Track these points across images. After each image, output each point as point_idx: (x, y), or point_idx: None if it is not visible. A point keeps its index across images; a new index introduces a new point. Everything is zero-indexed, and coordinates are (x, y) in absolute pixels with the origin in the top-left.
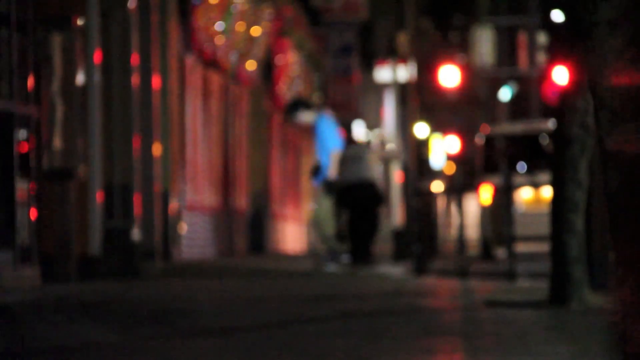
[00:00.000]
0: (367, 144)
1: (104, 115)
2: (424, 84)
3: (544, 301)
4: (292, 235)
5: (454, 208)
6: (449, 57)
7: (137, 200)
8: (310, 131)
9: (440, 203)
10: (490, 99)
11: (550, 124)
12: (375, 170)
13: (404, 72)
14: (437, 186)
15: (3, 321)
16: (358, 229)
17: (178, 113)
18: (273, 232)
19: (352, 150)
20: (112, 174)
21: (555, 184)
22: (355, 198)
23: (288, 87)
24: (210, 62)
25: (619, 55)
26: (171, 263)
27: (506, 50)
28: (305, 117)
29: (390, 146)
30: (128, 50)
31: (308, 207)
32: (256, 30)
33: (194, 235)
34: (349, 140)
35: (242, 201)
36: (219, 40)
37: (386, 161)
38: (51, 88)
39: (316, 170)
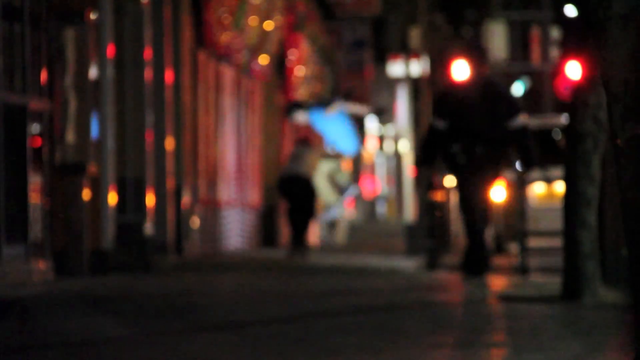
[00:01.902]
0: (309, 145)
1: (117, 109)
2: (436, 79)
3: (557, 296)
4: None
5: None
6: (461, 52)
7: (149, 195)
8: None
9: (453, 198)
10: None
11: (563, 119)
12: (310, 168)
13: (417, 67)
14: (449, 181)
15: (15, 315)
16: (294, 220)
17: (191, 107)
18: (286, 226)
19: (297, 150)
20: (124, 168)
21: (567, 179)
22: (289, 190)
23: (301, 81)
24: (223, 57)
25: (632, 50)
26: (183, 257)
27: (519, 45)
28: (299, 117)
29: (332, 147)
30: (141, 44)
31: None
32: (269, 25)
33: (206, 230)
34: (302, 141)
35: (254, 195)
36: (232, 35)
37: (331, 159)
38: (64, 82)
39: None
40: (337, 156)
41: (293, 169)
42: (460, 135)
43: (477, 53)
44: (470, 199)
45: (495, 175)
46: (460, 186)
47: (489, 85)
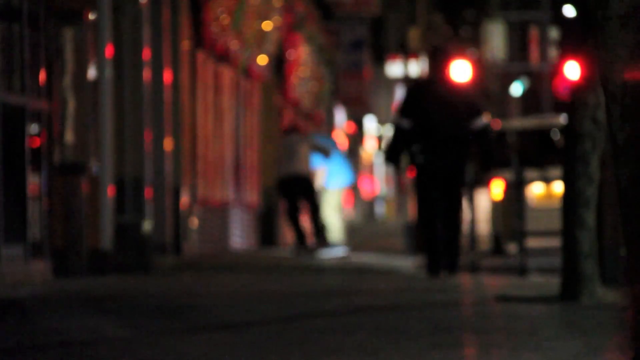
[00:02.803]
0: (302, 134)
1: (116, 109)
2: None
3: (555, 296)
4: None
5: (465, 203)
6: (460, 52)
7: (148, 195)
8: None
9: None
10: (501, 94)
11: (562, 119)
12: (306, 162)
13: (415, 67)
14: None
15: (14, 315)
16: (296, 219)
17: (189, 108)
18: (284, 226)
19: (288, 142)
20: (123, 168)
21: (566, 179)
22: (289, 191)
23: (299, 81)
24: (222, 57)
25: (631, 50)
26: (182, 257)
27: (518, 45)
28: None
29: (322, 137)
30: (139, 44)
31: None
32: (268, 25)
33: (205, 230)
34: (291, 129)
35: (253, 195)
36: (230, 35)
37: (321, 151)
38: (63, 82)
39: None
40: (324, 150)
41: (291, 169)
42: (422, 135)
43: (439, 55)
44: (428, 199)
45: (462, 177)
46: (418, 186)
47: (451, 87)
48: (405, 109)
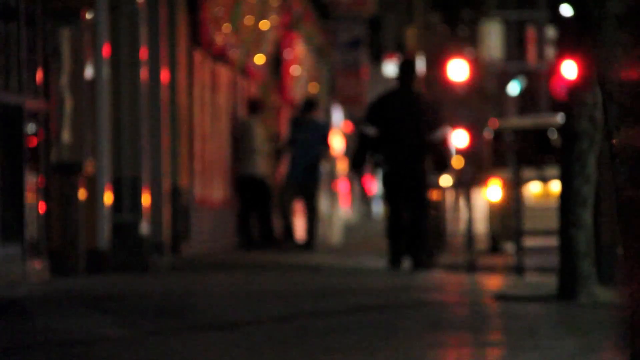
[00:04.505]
0: (260, 114)
1: (113, 109)
2: (432, 78)
3: (553, 295)
4: (301, 229)
5: (462, 202)
6: (457, 51)
7: (145, 195)
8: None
9: (449, 197)
10: (498, 93)
11: (559, 118)
12: (264, 159)
13: None
14: (445, 180)
15: (12, 315)
16: (248, 219)
17: (186, 107)
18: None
19: (247, 128)
20: (120, 168)
21: (563, 178)
22: (246, 190)
23: (296, 81)
24: (219, 56)
25: (628, 49)
26: (180, 257)
27: (515, 44)
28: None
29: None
30: (137, 44)
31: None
32: (265, 24)
33: (202, 230)
34: (253, 105)
35: None
36: (228, 34)
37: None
38: (60, 82)
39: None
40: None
41: (248, 170)
42: (386, 143)
43: (406, 67)
44: (395, 203)
45: (423, 182)
46: (385, 191)
47: (416, 98)
48: (371, 116)
